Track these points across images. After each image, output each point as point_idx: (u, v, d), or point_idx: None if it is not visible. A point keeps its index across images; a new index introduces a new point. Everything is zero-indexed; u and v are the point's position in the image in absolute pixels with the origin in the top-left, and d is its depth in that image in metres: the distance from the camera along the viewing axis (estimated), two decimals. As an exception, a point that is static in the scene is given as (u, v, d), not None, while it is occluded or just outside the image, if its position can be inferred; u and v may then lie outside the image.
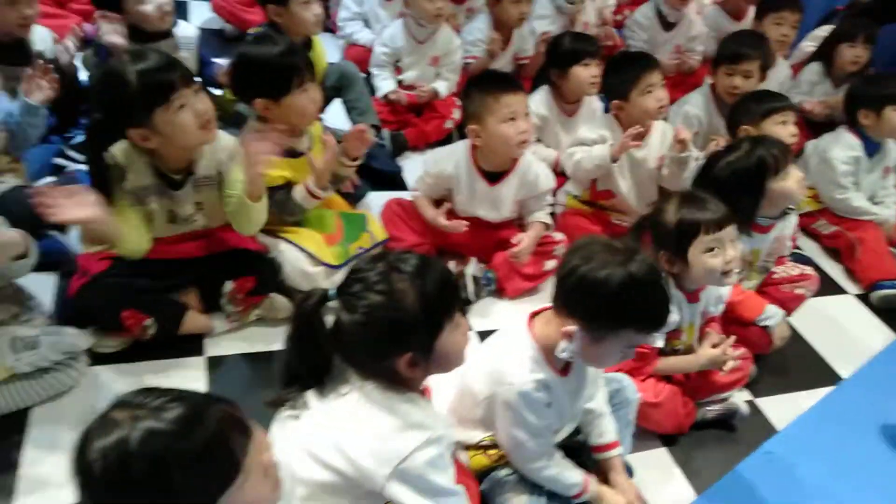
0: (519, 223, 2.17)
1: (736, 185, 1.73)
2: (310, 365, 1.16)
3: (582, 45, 2.44)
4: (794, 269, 2.05)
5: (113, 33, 2.09)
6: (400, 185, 2.54)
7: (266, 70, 1.74)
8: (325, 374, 1.17)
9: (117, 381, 1.62)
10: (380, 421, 1.09)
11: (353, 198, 2.30)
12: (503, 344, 1.36)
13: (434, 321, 1.11)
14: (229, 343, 1.78)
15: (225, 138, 1.71)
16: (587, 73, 2.42)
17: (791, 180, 1.77)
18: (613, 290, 1.20)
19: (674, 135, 2.09)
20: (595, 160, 2.17)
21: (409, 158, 2.70)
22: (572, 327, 1.24)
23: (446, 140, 2.78)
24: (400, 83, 2.79)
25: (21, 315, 1.56)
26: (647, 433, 1.69)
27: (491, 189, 2.05)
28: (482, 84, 1.96)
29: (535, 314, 1.35)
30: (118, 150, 1.59)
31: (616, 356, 1.29)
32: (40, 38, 2.19)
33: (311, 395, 1.15)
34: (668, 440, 1.73)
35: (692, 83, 3.17)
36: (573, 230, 2.18)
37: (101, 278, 1.62)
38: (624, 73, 2.14)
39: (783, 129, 2.12)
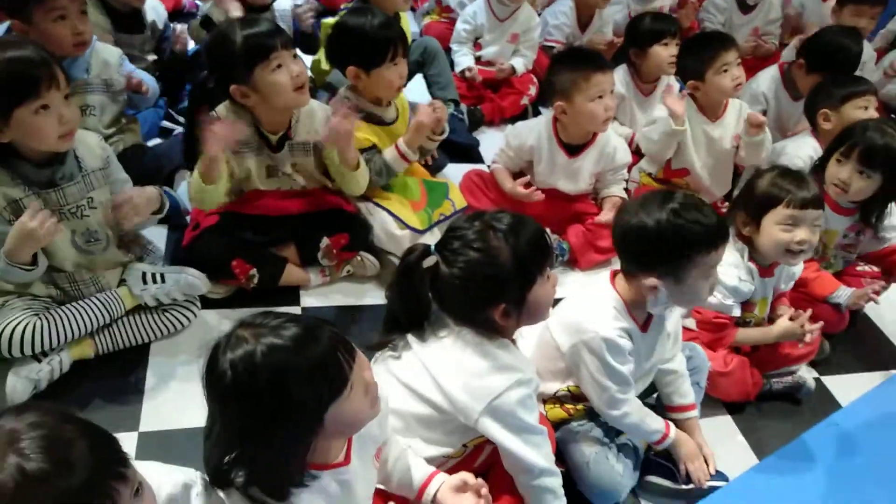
0: (593, 197, 2.25)
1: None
2: (411, 312, 1.28)
3: (662, 24, 2.48)
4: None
5: (231, 2, 2.23)
6: (476, 158, 2.65)
7: (363, 40, 1.86)
8: (424, 320, 1.29)
9: (224, 324, 1.79)
10: (475, 362, 1.21)
11: (433, 169, 2.41)
12: (587, 297, 1.45)
13: (526, 275, 1.22)
14: (322, 296, 1.93)
15: (321, 109, 1.84)
16: (666, 52, 2.46)
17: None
18: (664, 228, 1.30)
19: (748, 119, 2.12)
20: (660, 128, 2.21)
21: (484, 133, 2.80)
22: (652, 280, 1.32)
23: (522, 115, 2.87)
24: (478, 59, 2.88)
25: (144, 258, 1.74)
26: (712, 401, 1.75)
27: (570, 161, 2.13)
28: (572, 62, 2.03)
29: (616, 272, 1.43)
30: (221, 109, 1.74)
31: (705, 286, 1.36)
32: (152, 7, 2.37)
33: (411, 338, 1.27)
34: (733, 409, 1.80)
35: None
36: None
37: (212, 230, 1.78)
38: (699, 53, 2.18)
39: (864, 113, 2.12)
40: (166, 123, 2.34)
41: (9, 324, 1.44)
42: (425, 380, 1.24)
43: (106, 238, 1.58)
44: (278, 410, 0.91)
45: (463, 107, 2.74)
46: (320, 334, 0.95)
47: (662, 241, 1.30)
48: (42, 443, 0.71)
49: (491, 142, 2.70)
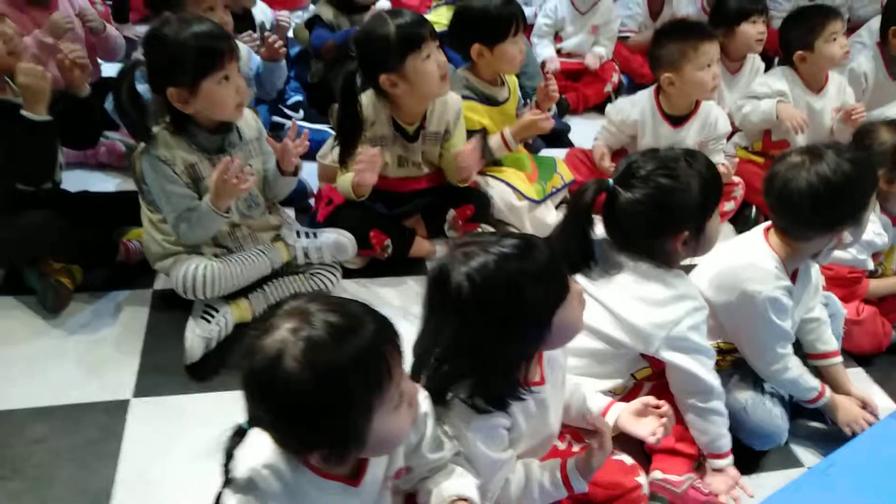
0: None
1: None
2: (579, 252, 1.34)
3: (749, 2, 2.54)
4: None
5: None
6: (566, 143, 2.71)
7: (487, 17, 1.96)
8: (590, 260, 1.35)
9: (360, 291, 1.87)
10: (657, 291, 1.26)
11: (530, 150, 2.49)
12: (741, 254, 1.45)
13: (708, 204, 1.28)
14: (447, 265, 2.00)
15: (453, 99, 1.92)
16: (754, 29, 2.52)
17: None
18: (852, 178, 1.31)
19: (845, 110, 2.20)
20: (761, 114, 2.28)
21: (569, 121, 2.87)
22: (843, 234, 1.37)
23: (604, 103, 2.93)
24: (559, 51, 2.97)
25: (281, 225, 1.81)
26: (844, 354, 1.76)
27: (675, 131, 2.19)
28: (678, 33, 2.09)
29: (768, 229, 1.46)
30: (365, 103, 1.82)
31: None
32: (261, 10, 2.50)
33: (580, 278, 1.32)
34: (864, 361, 1.81)
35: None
36: (750, 176, 2.28)
37: (347, 205, 1.87)
38: (806, 22, 2.23)
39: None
40: (276, 118, 2.45)
41: (191, 267, 1.54)
42: (600, 316, 1.29)
43: (263, 203, 1.68)
44: (515, 315, 0.97)
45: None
46: (538, 243, 1.02)
47: (852, 190, 1.33)
48: (337, 309, 0.82)
49: (577, 129, 2.78)
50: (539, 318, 0.99)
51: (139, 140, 1.53)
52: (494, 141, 2.05)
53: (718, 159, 2.26)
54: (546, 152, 2.55)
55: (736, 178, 2.24)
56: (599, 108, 2.93)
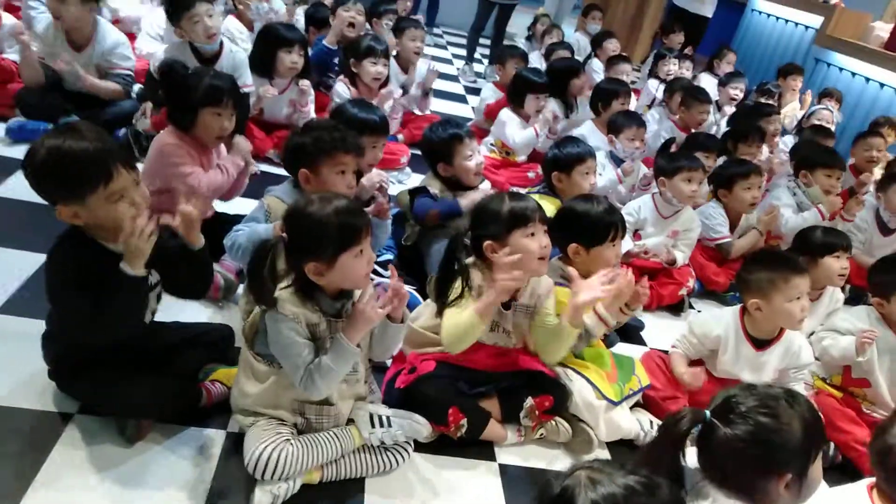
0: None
1: None
2: (670, 478, 1.29)
3: (834, 238, 2.62)
4: None
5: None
6: (638, 339, 2.73)
7: (589, 221, 2.08)
8: (681, 489, 1.31)
9: (426, 466, 1.83)
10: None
11: (606, 345, 2.50)
12: None
13: (812, 448, 1.26)
14: (518, 455, 1.96)
15: (546, 279, 2.00)
16: (838, 264, 2.58)
17: None
18: None
19: None
20: (841, 350, 2.29)
21: (644, 317, 2.90)
22: None
23: (679, 305, 2.98)
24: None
25: (369, 396, 1.84)
26: None
27: (757, 354, 2.18)
28: (771, 264, 2.14)
29: (872, 486, 1.42)
30: (470, 261, 1.92)
31: None
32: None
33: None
34: None
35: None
36: (828, 410, 2.24)
37: (431, 376, 1.89)
38: (891, 272, 2.28)
39: None
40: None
41: (267, 446, 1.55)
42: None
43: (362, 372, 1.71)
44: None
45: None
46: (662, 483, 1.03)
47: None
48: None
49: (650, 327, 2.80)
50: None
51: (264, 305, 1.57)
52: (591, 320, 2.07)
53: (798, 388, 2.23)
54: (619, 348, 2.56)
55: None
56: (672, 309, 2.99)
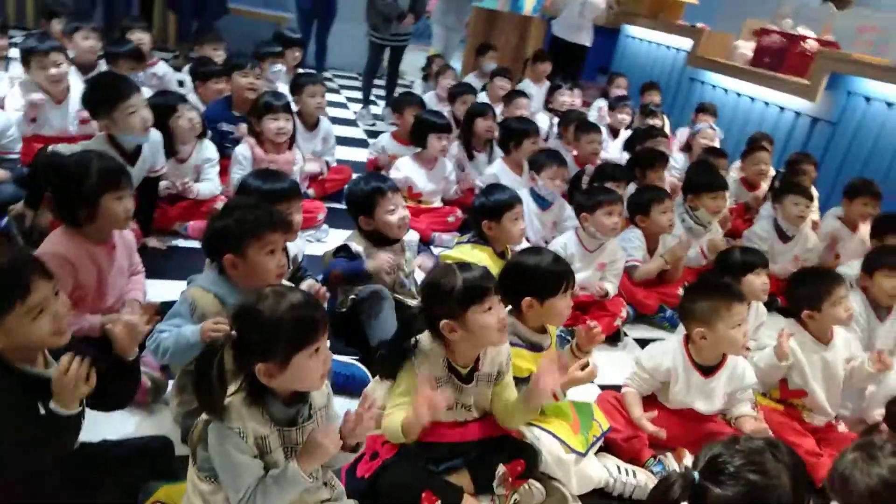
0: (722, 415, 2.33)
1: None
2: None
3: (752, 256, 2.75)
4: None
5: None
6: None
7: (540, 274, 2.06)
8: None
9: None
10: None
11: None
12: None
13: (800, 497, 1.26)
14: (493, 526, 1.88)
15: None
16: (759, 280, 2.70)
17: None
18: None
19: (874, 356, 2.33)
20: (765, 360, 2.40)
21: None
22: None
23: (615, 336, 3.02)
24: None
25: (332, 494, 1.69)
26: None
27: (706, 381, 2.23)
28: (713, 292, 2.21)
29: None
30: (425, 339, 1.84)
31: None
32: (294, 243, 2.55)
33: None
34: None
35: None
36: (774, 425, 2.33)
37: (396, 461, 1.78)
38: (815, 285, 2.40)
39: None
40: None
41: None
42: None
43: (319, 474, 1.57)
44: None
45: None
46: None
47: None
48: None
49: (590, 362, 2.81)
50: None
51: (211, 414, 1.42)
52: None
53: (746, 409, 2.31)
54: (571, 391, 2.54)
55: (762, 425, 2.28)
56: (608, 340, 3.00)
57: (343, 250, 2.56)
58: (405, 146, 3.98)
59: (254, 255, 1.87)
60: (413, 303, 2.52)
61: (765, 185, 4.33)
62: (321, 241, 3.46)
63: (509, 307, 2.09)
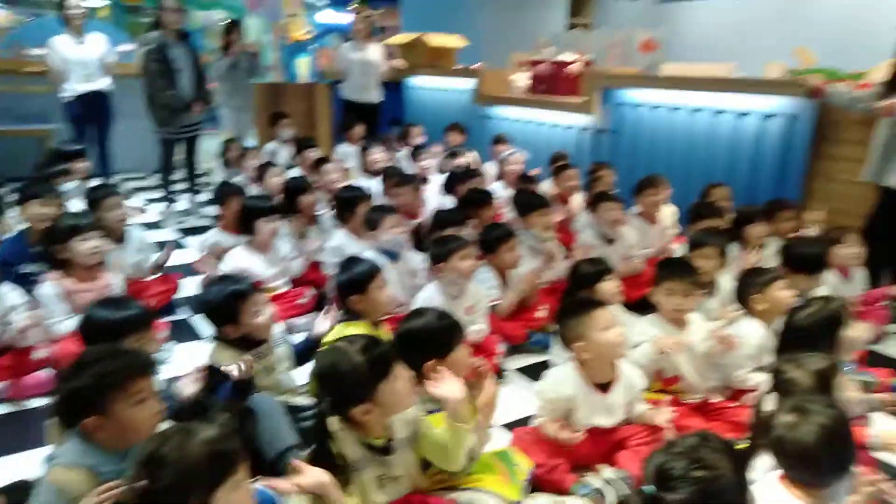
0: (626, 422, 2.46)
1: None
2: None
3: (598, 265, 3.00)
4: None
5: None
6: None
7: (433, 334, 2.06)
8: None
9: None
10: None
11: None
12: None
13: (743, 476, 1.39)
14: None
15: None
16: (610, 286, 2.93)
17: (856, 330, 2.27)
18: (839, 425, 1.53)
19: (718, 337, 2.58)
20: (647, 356, 2.60)
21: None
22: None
23: (498, 374, 3.08)
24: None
25: None
26: None
27: (605, 397, 2.35)
28: (573, 309, 2.34)
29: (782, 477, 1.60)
30: (335, 424, 1.76)
31: None
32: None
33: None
34: None
35: (644, 281, 3.85)
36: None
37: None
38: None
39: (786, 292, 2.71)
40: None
41: None
42: None
43: None
44: None
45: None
46: None
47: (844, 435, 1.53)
48: None
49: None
50: None
51: None
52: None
53: (643, 407, 2.46)
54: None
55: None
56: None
57: (214, 374, 2.34)
58: (238, 235, 3.78)
59: (122, 410, 1.66)
60: (302, 400, 2.38)
61: (576, 198, 4.73)
62: (166, 362, 3.14)
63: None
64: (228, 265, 3.51)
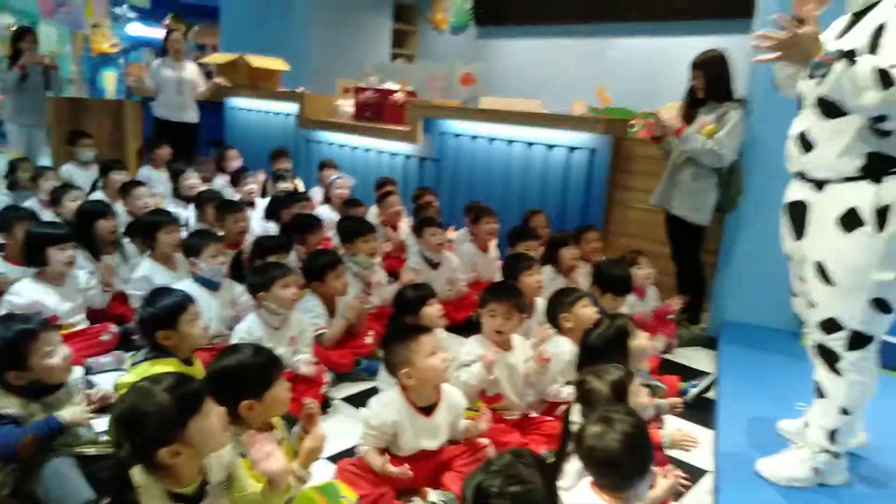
0: (451, 442, 2.51)
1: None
2: None
3: (421, 290, 3.05)
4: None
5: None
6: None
7: (248, 371, 1.96)
8: None
9: None
10: None
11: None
12: None
13: (552, 487, 1.50)
14: None
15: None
16: (433, 309, 3.00)
17: (641, 341, 2.51)
18: (639, 434, 1.68)
19: (536, 356, 2.74)
20: (478, 377, 2.69)
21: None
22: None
23: (324, 404, 3.00)
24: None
25: None
26: None
27: (429, 420, 2.38)
28: (400, 335, 2.36)
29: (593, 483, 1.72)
30: (137, 476, 1.62)
31: None
32: None
33: None
34: None
35: (468, 303, 4.01)
36: (487, 432, 2.59)
37: None
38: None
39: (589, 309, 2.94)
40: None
41: None
42: None
43: None
44: None
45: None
46: None
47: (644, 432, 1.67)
48: None
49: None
50: None
51: None
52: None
53: (463, 425, 2.52)
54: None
55: (484, 440, 2.52)
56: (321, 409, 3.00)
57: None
58: (25, 267, 3.36)
59: None
60: (104, 450, 2.14)
61: (403, 223, 4.81)
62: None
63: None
64: (14, 301, 3.10)
